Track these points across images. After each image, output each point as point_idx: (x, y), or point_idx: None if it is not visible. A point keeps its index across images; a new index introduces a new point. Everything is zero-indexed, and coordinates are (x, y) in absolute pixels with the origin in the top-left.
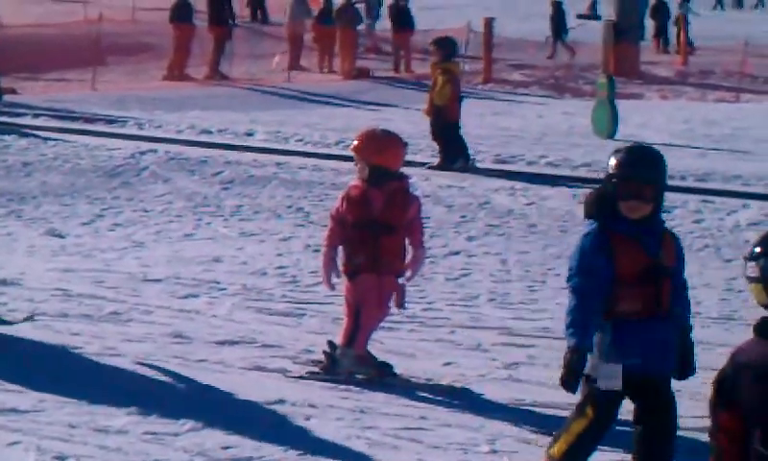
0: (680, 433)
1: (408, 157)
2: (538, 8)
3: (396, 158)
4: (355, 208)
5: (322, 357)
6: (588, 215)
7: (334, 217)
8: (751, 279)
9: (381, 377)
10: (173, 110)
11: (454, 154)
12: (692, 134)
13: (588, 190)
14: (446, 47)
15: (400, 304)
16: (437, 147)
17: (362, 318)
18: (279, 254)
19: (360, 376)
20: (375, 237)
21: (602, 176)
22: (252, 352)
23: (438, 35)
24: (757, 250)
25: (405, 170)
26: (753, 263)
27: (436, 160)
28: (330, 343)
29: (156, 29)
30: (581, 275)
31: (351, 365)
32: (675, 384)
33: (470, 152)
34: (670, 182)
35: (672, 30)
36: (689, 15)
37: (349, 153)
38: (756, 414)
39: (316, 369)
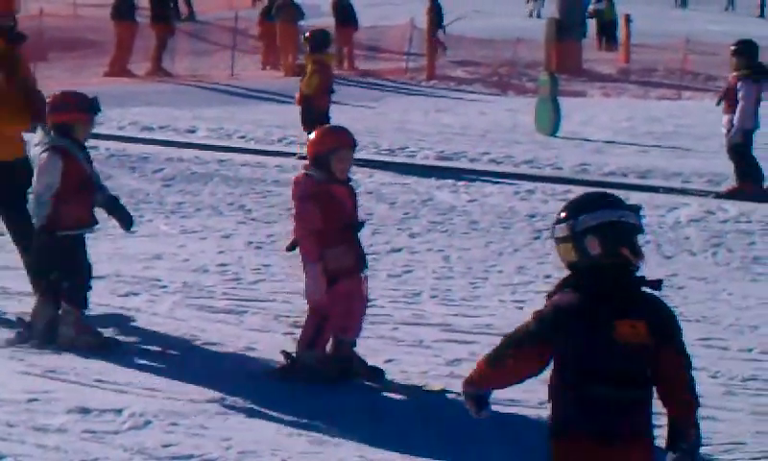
0: None
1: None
2: (482, 5)
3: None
4: (336, 209)
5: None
6: None
7: (310, 225)
8: (560, 240)
9: (346, 379)
10: (114, 107)
11: None
12: (634, 132)
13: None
14: (315, 39)
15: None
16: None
17: (327, 324)
18: (221, 252)
19: (321, 376)
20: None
21: (544, 173)
22: (193, 350)
23: (381, 31)
24: (563, 214)
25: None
26: (562, 225)
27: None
28: (285, 353)
29: (98, 25)
30: None
31: (314, 364)
32: None
33: None
34: (612, 179)
35: (590, 23)
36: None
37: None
38: (570, 348)
39: (275, 370)
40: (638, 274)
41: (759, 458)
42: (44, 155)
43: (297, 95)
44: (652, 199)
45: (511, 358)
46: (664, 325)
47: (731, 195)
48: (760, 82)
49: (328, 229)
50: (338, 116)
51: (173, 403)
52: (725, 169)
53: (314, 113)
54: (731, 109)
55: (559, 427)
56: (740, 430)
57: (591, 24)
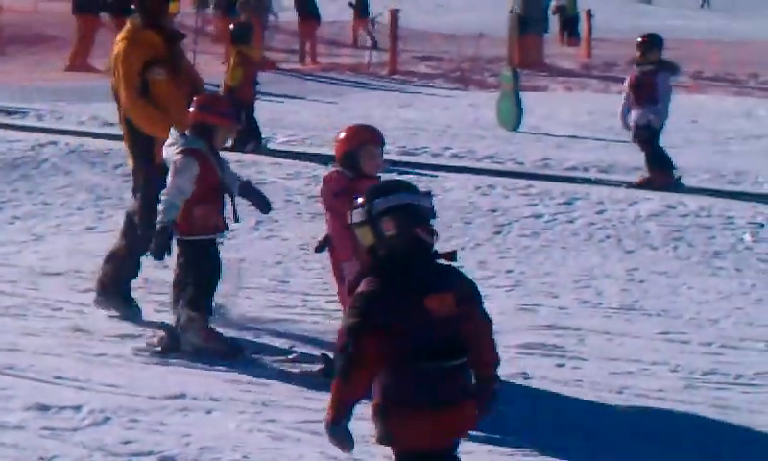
0: None
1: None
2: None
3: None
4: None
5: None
6: None
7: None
8: (358, 224)
9: None
10: (75, 102)
11: (247, 136)
12: (596, 126)
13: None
14: (237, 32)
15: None
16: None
17: None
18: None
19: None
20: None
21: (506, 168)
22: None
23: (343, 26)
24: (361, 200)
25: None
26: (359, 210)
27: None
28: (324, 356)
29: (59, 20)
30: None
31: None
32: None
33: (263, 135)
34: (574, 173)
35: (553, 18)
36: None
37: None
38: (389, 330)
39: (313, 370)
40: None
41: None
42: (180, 157)
43: (221, 87)
44: (613, 193)
45: (358, 362)
46: (469, 293)
47: (643, 185)
48: (675, 75)
49: None
50: (301, 111)
51: (132, 400)
52: (685, 162)
53: (238, 105)
54: (642, 101)
55: (390, 401)
56: (700, 424)
57: (554, 19)
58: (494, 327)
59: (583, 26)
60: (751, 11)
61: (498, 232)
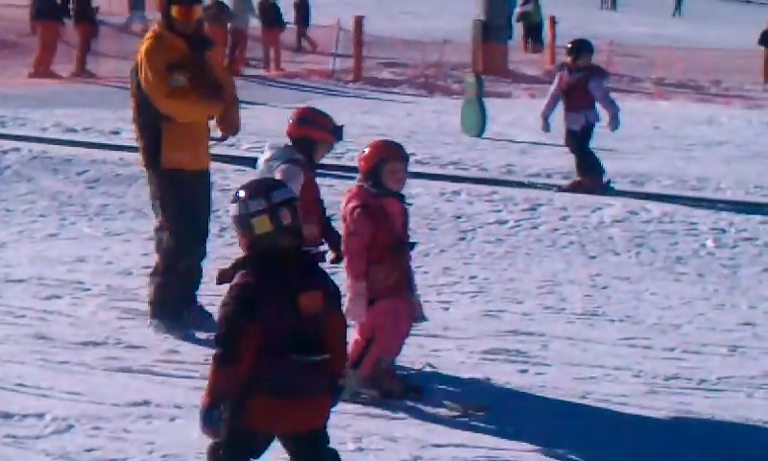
0: None
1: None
2: (409, 6)
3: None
4: (386, 225)
5: (187, 357)
6: None
7: (364, 240)
8: (256, 213)
9: (388, 398)
10: (38, 108)
11: None
12: (559, 133)
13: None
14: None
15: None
16: None
17: (375, 346)
18: (145, 254)
19: (365, 397)
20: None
21: (470, 174)
22: (117, 353)
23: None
24: (258, 192)
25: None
26: (254, 202)
27: None
28: None
29: (21, 26)
30: None
31: (357, 386)
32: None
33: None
34: (538, 180)
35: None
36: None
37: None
38: (262, 323)
39: None
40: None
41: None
42: (286, 166)
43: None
44: (576, 199)
45: (233, 351)
46: (333, 293)
47: (572, 189)
48: (605, 80)
49: (375, 244)
50: (265, 118)
51: (96, 407)
52: (648, 169)
53: None
54: (575, 106)
55: (258, 389)
56: (663, 429)
57: (518, 26)
58: (458, 332)
59: (546, 33)
60: (721, 19)
61: (462, 238)
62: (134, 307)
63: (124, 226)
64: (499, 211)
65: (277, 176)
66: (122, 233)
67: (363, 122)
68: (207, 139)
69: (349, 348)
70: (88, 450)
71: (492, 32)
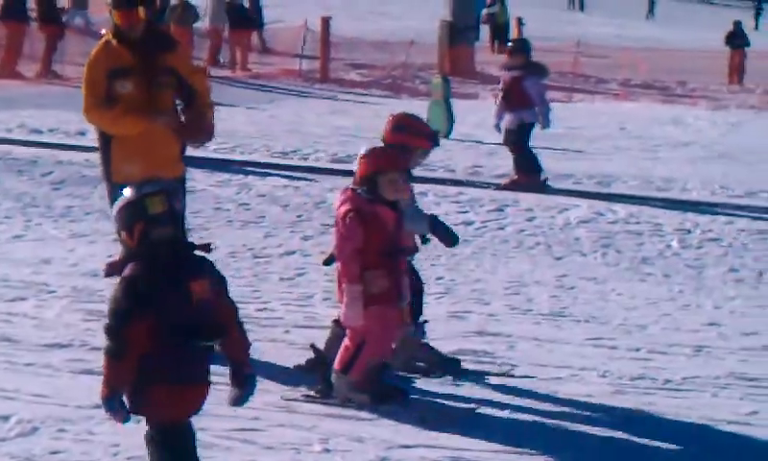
0: None
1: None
2: (377, 8)
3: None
4: (378, 232)
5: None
6: None
7: (355, 244)
8: (149, 195)
9: (378, 403)
10: (3, 109)
11: None
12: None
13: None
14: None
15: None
16: None
17: (365, 351)
18: (111, 256)
19: (355, 402)
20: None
21: (437, 175)
22: (82, 355)
23: (274, 33)
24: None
25: None
26: (147, 186)
27: None
28: (313, 347)
29: None
30: None
31: (347, 391)
32: None
33: None
34: (503, 182)
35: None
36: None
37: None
38: (157, 312)
39: (312, 393)
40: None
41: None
42: None
43: None
44: (542, 201)
45: (127, 340)
46: (219, 281)
47: (509, 187)
48: (542, 78)
49: (367, 250)
50: (232, 119)
51: (61, 410)
52: (614, 169)
53: None
54: (512, 105)
55: (149, 376)
56: (628, 429)
57: (485, 28)
58: (425, 333)
59: (513, 34)
60: (694, 22)
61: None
62: (100, 309)
63: (89, 227)
64: (466, 212)
65: None
66: (87, 235)
67: (330, 123)
68: (169, 148)
69: (339, 353)
70: (53, 453)
71: (458, 33)
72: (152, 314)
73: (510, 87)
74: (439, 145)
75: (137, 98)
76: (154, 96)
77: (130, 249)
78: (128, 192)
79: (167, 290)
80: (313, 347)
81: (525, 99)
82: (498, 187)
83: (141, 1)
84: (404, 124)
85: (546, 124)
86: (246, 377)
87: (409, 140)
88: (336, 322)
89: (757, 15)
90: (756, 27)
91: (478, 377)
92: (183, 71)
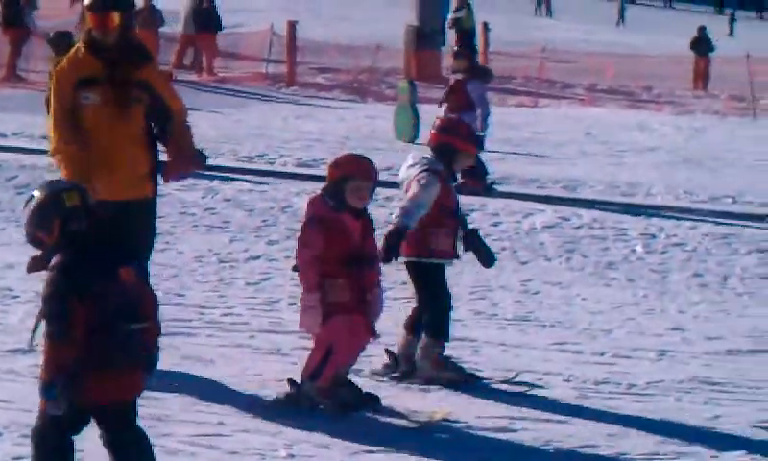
0: None
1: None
2: (343, 12)
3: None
4: (341, 240)
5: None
6: None
7: (314, 251)
8: (65, 190)
9: (347, 411)
10: None
11: None
12: (491, 138)
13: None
14: (55, 42)
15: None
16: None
17: (332, 358)
18: None
19: (322, 407)
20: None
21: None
22: None
23: (240, 37)
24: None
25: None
26: (61, 182)
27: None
28: (291, 381)
29: None
30: None
31: (315, 397)
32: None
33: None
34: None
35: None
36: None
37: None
38: (89, 298)
39: (281, 398)
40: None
41: None
42: (425, 173)
43: (45, 96)
44: (508, 205)
45: (64, 326)
46: (140, 268)
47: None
48: (485, 82)
49: (329, 258)
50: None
51: (25, 415)
52: (580, 174)
53: None
54: (455, 108)
55: (88, 360)
56: (593, 433)
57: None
58: (391, 338)
59: (479, 39)
60: (664, 28)
61: None
62: None
63: None
64: None
65: (415, 184)
66: None
67: (296, 127)
68: (136, 168)
69: (306, 359)
70: (17, 458)
71: (425, 37)
72: (88, 298)
73: (453, 90)
74: (483, 149)
75: (104, 111)
76: (123, 110)
77: (51, 245)
78: (38, 193)
79: (98, 276)
80: (387, 351)
81: (469, 102)
82: None
83: (117, 5)
84: (451, 127)
85: (484, 128)
86: (151, 361)
87: (456, 143)
88: (406, 326)
89: (732, 22)
90: (732, 33)
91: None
92: (158, 87)
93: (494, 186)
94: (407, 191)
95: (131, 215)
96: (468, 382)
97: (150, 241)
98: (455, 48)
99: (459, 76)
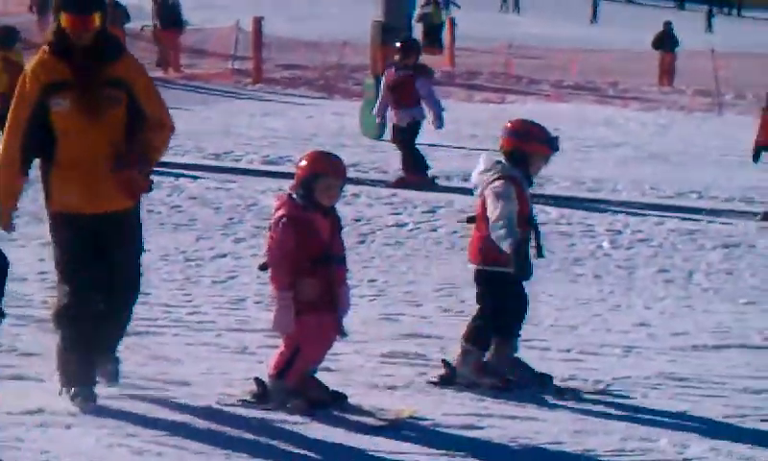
0: None
1: None
2: (310, 9)
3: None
4: (310, 239)
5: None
6: None
7: (284, 250)
8: None
9: (315, 409)
10: None
11: None
12: (459, 135)
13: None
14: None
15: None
16: None
17: (300, 356)
18: (41, 259)
19: (289, 406)
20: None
21: (370, 176)
22: (12, 361)
23: (206, 34)
24: None
25: None
26: None
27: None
28: (258, 380)
29: None
30: None
31: (283, 396)
32: None
33: None
34: (437, 182)
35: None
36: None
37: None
38: None
39: (247, 397)
40: None
41: (579, 458)
42: (500, 182)
43: None
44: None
45: None
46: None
47: (398, 185)
48: (430, 78)
49: (299, 257)
50: None
51: None
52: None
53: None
54: (402, 103)
55: None
56: (559, 430)
57: (418, 28)
58: (357, 336)
59: (446, 35)
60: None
61: (362, 242)
62: (29, 314)
63: (18, 231)
64: (399, 214)
65: (492, 198)
66: (16, 239)
67: (263, 124)
68: (115, 178)
69: (274, 358)
70: None
71: (391, 33)
72: None
73: (400, 86)
74: (558, 149)
75: (77, 117)
76: (97, 113)
77: None
78: None
79: None
80: (444, 362)
81: (415, 98)
82: (388, 185)
83: (101, 6)
84: (521, 130)
85: (440, 124)
86: None
87: (527, 146)
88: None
89: (710, 17)
90: (710, 28)
91: (409, 380)
92: (134, 83)
93: (436, 181)
94: (481, 198)
95: (115, 227)
96: (507, 388)
97: (137, 250)
98: (399, 43)
99: (409, 71)
